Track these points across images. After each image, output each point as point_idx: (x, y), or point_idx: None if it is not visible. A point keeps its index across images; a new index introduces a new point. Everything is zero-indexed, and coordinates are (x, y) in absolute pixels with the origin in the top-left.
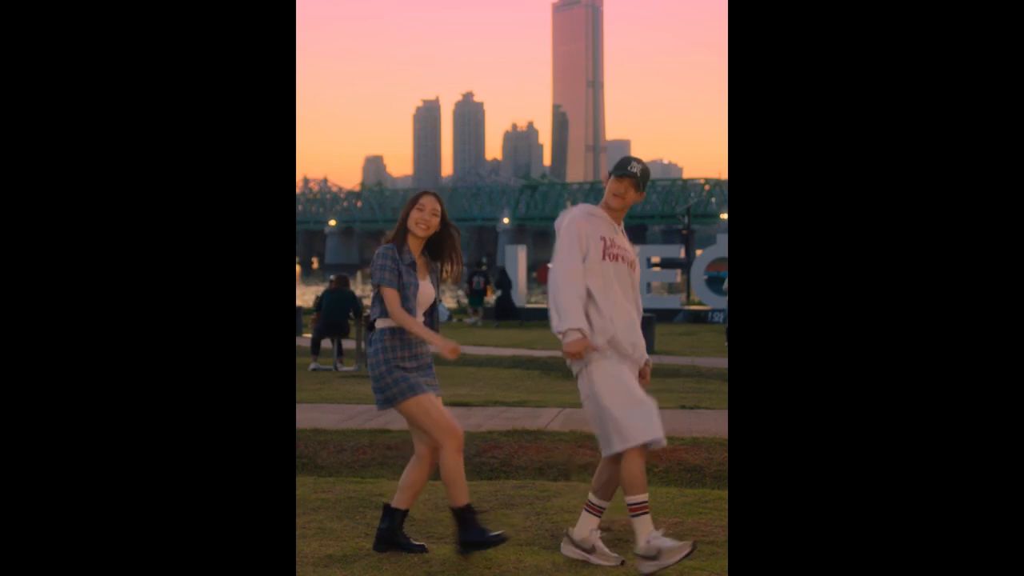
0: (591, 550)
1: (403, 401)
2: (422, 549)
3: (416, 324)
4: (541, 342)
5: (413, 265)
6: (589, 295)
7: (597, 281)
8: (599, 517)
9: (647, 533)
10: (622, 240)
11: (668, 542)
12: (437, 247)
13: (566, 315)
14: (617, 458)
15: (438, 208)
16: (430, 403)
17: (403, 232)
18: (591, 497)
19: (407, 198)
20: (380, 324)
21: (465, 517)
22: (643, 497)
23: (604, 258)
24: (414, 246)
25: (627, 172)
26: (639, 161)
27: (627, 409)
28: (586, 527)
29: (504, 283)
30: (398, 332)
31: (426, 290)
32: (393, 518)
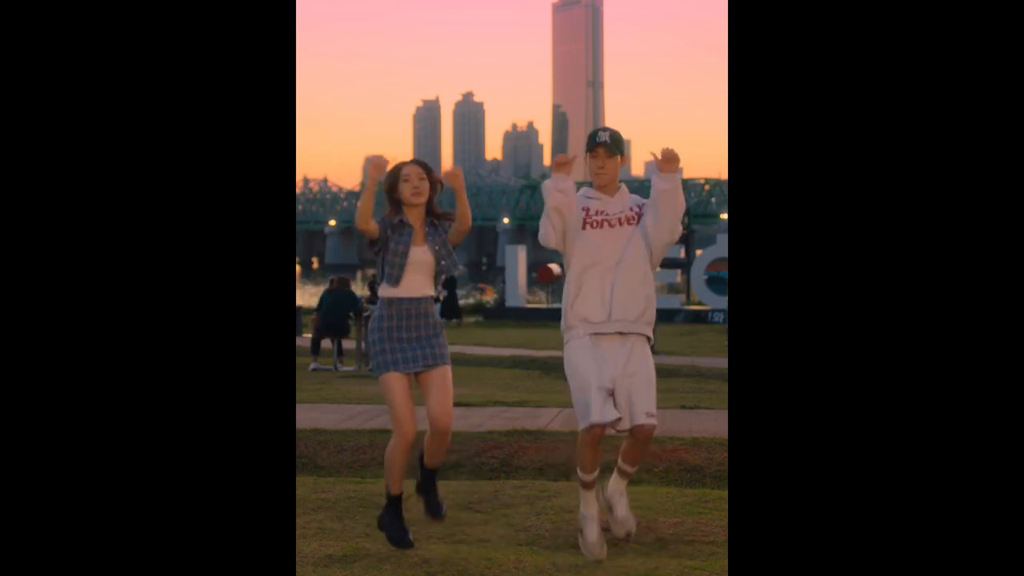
0: (609, 508)
1: (378, 375)
2: (439, 514)
3: (364, 197)
4: (541, 342)
5: (403, 224)
6: (571, 270)
7: (577, 254)
8: (625, 479)
9: (593, 517)
10: (617, 206)
11: (592, 539)
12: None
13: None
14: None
15: (423, 172)
16: (398, 386)
17: (396, 205)
18: (619, 462)
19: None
20: (381, 293)
21: (392, 506)
22: (589, 476)
23: (584, 227)
24: (413, 215)
25: (596, 142)
26: (605, 129)
27: (579, 394)
28: (617, 486)
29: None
30: (395, 303)
31: (422, 256)
32: (424, 475)
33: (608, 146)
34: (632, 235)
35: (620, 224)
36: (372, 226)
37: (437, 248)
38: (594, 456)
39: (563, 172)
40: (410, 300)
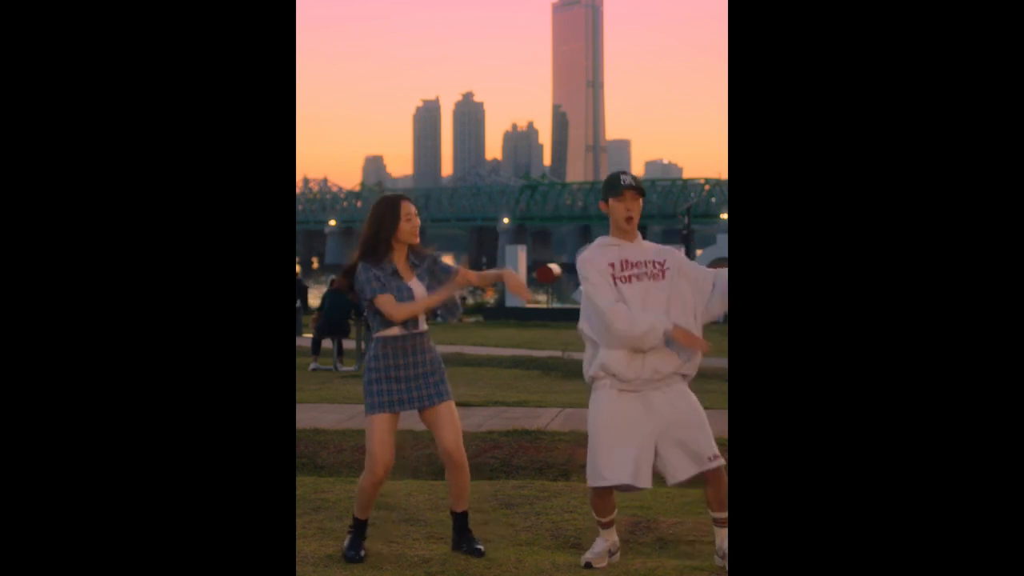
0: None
1: (368, 415)
2: (480, 553)
3: (421, 301)
4: (541, 342)
5: (396, 273)
6: (600, 317)
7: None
8: (722, 528)
9: (607, 539)
10: (639, 254)
11: (597, 551)
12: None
13: (648, 328)
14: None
15: (415, 209)
16: (380, 428)
17: (386, 246)
18: (712, 515)
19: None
20: (376, 335)
21: (357, 528)
22: (603, 519)
23: (616, 283)
24: (398, 254)
25: (625, 186)
26: (626, 173)
27: (594, 448)
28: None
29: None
30: (391, 341)
31: (419, 289)
32: (456, 520)
33: (636, 189)
34: (662, 290)
35: (650, 279)
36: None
37: (428, 285)
38: (606, 504)
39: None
40: (405, 337)
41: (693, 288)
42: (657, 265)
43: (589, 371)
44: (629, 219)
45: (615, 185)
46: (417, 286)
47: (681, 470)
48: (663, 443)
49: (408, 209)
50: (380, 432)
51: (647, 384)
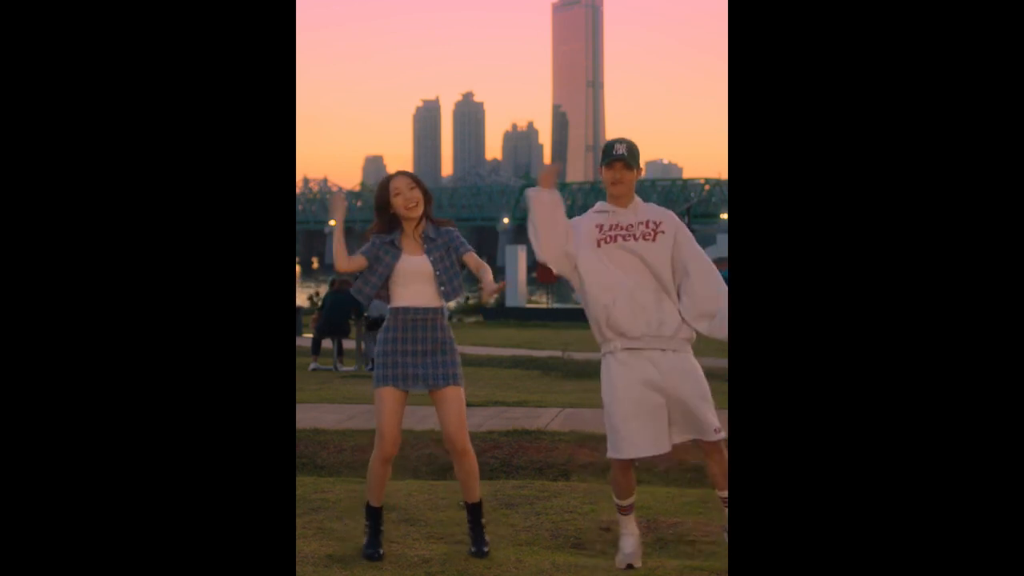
0: None
1: (374, 388)
2: (483, 554)
3: (336, 244)
4: (541, 342)
5: (394, 243)
6: (583, 287)
7: (591, 270)
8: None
9: (631, 532)
10: (631, 217)
11: (629, 550)
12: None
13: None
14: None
15: (412, 183)
16: (388, 401)
17: (391, 221)
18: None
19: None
20: (390, 304)
21: (372, 518)
22: (623, 501)
23: (599, 244)
24: (409, 228)
25: (614, 156)
26: (622, 141)
27: (611, 419)
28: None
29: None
30: (401, 312)
31: (415, 265)
32: (470, 512)
33: (626, 159)
34: (656, 252)
35: (636, 239)
36: (355, 262)
37: (435, 260)
38: (627, 482)
39: (548, 186)
40: (416, 310)
41: (677, 268)
42: (652, 224)
43: (599, 332)
44: (616, 185)
45: (607, 154)
46: (420, 261)
47: (677, 433)
48: (670, 409)
49: (397, 185)
50: (389, 406)
51: (654, 342)
